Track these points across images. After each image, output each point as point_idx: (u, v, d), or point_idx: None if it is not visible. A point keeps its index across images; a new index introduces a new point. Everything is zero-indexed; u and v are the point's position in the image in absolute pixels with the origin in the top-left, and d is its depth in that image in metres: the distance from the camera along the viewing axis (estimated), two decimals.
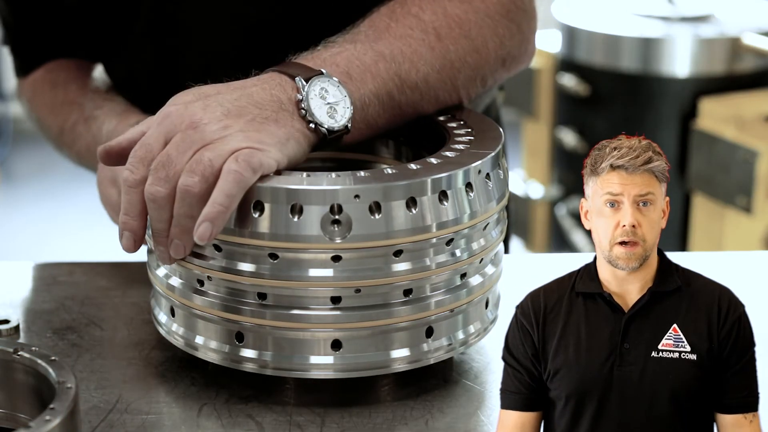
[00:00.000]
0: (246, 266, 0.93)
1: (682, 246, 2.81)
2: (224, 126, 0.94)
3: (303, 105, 0.98)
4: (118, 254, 1.03)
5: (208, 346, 0.97)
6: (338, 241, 0.91)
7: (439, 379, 1.01)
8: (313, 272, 0.92)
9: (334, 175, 0.92)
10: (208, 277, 0.95)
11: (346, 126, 1.00)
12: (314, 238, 0.90)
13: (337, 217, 0.90)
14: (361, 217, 0.91)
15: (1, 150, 4.57)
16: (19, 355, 0.87)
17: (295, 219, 0.91)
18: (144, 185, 0.92)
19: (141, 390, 1.00)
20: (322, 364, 0.94)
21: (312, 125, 0.98)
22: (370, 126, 1.05)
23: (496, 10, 1.15)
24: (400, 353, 0.96)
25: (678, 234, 2.82)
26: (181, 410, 0.97)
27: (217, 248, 0.93)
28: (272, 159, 0.93)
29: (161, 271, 1.00)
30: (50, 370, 0.84)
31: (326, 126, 0.98)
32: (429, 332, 0.96)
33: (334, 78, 1.00)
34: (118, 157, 0.97)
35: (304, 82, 0.99)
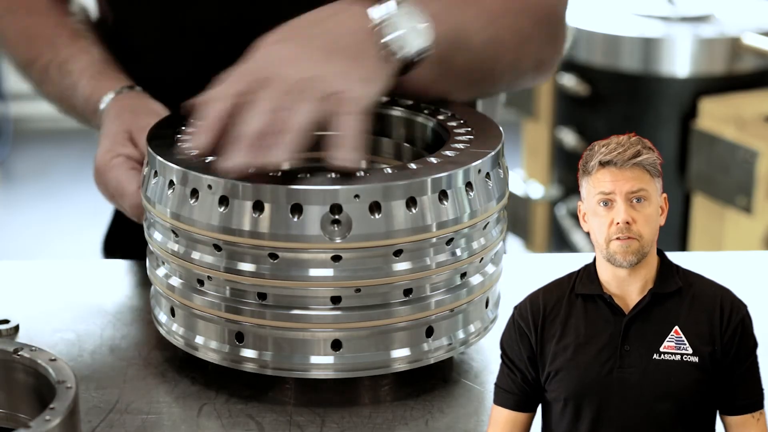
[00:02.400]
0: (246, 266, 0.93)
1: (682, 246, 2.81)
2: (326, 60, 0.96)
3: (383, 32, 1.00)
4: (117, 254, 1.03)
5: (208, 346, 0.97)
6: (338, 240, 0.91)
7: (439, 379, 1.01)
8: (313, 272, 0.92)
9: (334, 175, 0.92)
10: (208, 277, 0.95)
11: (424, 50, 1.02)
12: (314, 237, 0.90)
13: (337, 216, 0.90)
14: (361, 216, 0.91)
15: (1, 150, 4.57)
16: (19, 355, 0.87)
17: (295, 219, 0.90)
18: (237, 99, 0.92)
19: (141, 390, 1.00)
20: (322, 364, 0.94)
21: (392, 51, 1.00)
22: (435, 66, 1.05)
23: (543, 16, 1.18)
24: (400, 353, 0.96)
25: (678, 234, 2.82)
26: (181, 410, 0.97)
27: (217, 248, 0.93)
28: (356, 96, 0.95)
29: (161, 271, 1.00)
30: (50, 370, 0.84)
31: (405, 50, 1.01)
32: (429, 332, 0.96)
33: (411, 7, 1.02)
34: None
35: (382, 10, 1.01)
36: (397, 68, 1.01)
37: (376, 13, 1.00)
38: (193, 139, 0.94)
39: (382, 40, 1.00)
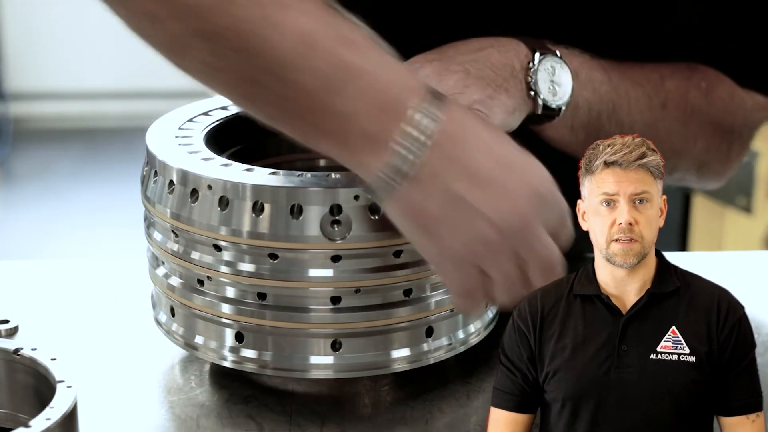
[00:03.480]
0: (246, 266, 0.93)
1: (682, 246, 2.81)
2: (464, 85, 0.97)
3: (531, 73, 1.01)
4: (117, 254, 1.03)
5: (207, 346, 0.97)
6: (338, 241, 0.91)
7: (439, 379, 1.01)
8: (313, 272, 0.92)
9: (334, 175, 0.92)
10: (208, 277, 0.95)
11: (560, 107, 1.03)
12: (314, 238, 0.91)
13: (336, 217, 0.90)
14: (360, 217, 0.91)
15: (1, 150, 4.57)
16: (19, 355, 0.87)
17: (295, 219, 0.91)
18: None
19: (141, 390, 1.00)
20: (321, 364, 0.94)
21: (532, 93, 1.01)
22: (571, 129, 1.07)
23: (721, 123, 1.16)
24: (400, 353, 0.96)
25: (678, 234, 2.82)
26: (181, 410, 0.97)
27: (217, 248, 0.94)
28: (497, 125, 0.97)
29: (161, 271, 1.00)
30: (50, 370, 0.84)
31: (543, 98, 1.02)
32: (429, 332, 0.96)
33: (565, 63, 1.04)
34: None
35: (539, 54, 1.02)
36: (529, 112, 1.02)
37: (534, 55, 1.02)
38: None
39: (528, 82, 1.02)
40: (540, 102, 1.02)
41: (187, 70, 0.89)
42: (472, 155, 0.87)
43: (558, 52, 1.04)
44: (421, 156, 0.85)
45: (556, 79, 1.03)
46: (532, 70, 1.02)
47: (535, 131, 1.05)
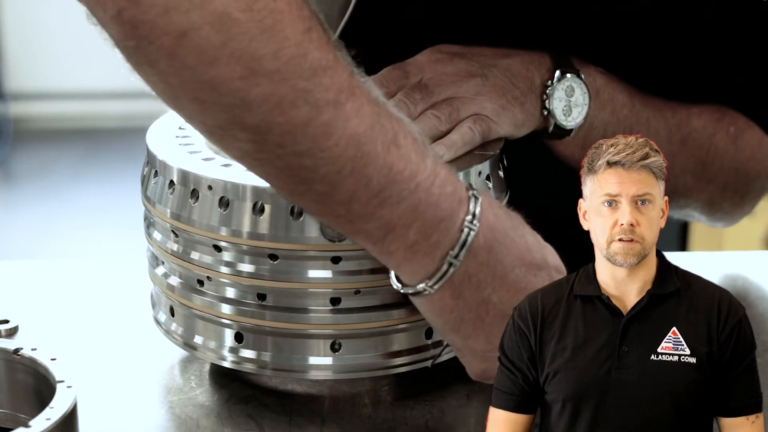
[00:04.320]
0: (246, 267, 0.93)
1: (682, 246, 2.81)
2: (478, 92, 0.98)
3: (548, 91, 1.02)
4: (117, 254, 1.03)
5: (207, 346, 0.97)
6: (338, 242, 0.91)
7: (439, 379, 1.01)
8: (313, 273, 0.92)
9: None
10: (208, 277, 0.95)
11: (571, 130, 1.04)
12: (314, 239, 0.91)
13: None
14: None
15: (1, 150, 4.57)
16: (19, 355, 0.87)
17: (295, 220, 0.91)
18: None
19: (140, 390, 1.00)
20: (321, 365, 0.94)
21: (545, 112, 1.02)
22: (582, 147, 1.06)
23: (748, 169, 1.15)
24: (399, 354, 0.96)
25: (678, 234, 2.82)
26: (181, 410, 0.97)
27: (217, 248, 0.94)
28: (502, 135, 0.99)
29: (161, 271, 1.00)
30: (50, 370, 0.84)
31: (556, 119, 1.02)
32: (428, 333, 0.96)
33: (585, 84, 1.04)
34: None
35: (560, 72, 1.02)
36: (539, 128, 1.03)
37: (555, 72, 1.03)
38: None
39: (543, 99, 1.02)
40: (552, 121, 1.03)
41: (228, 155, 0.86)
42: (502, 260, 0.88)
43: (581, 71, 1.04)
44: (459, 266, 0.86)
45: (574, 101, 1.03)
46: (549, 88, 1.02)
47: (545, 143, 1.06)
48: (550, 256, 0.92)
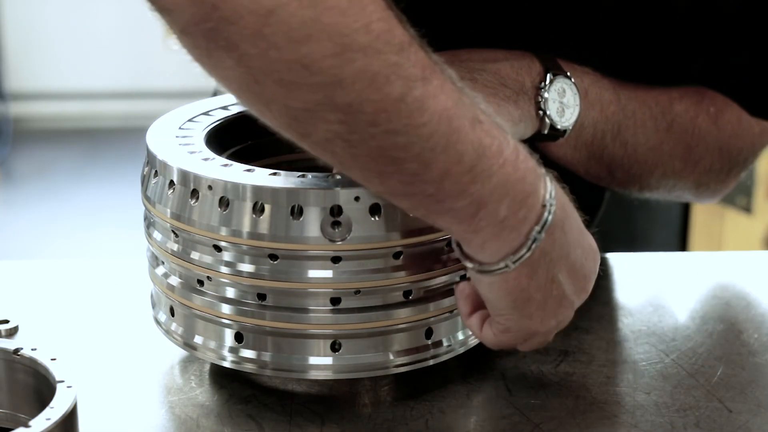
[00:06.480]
0: (246, 267, 0.93)
1: (682, 246, 2.81)
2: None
3: (542, 93, 1.02)
4: (117, 254, 1.03)
5: (207, 346, 0.97)
6: (338, 242, 0.91)
7: (439, 379, 1.01)
8: (313, 273, 0.92)
9: (334, 176, 0.92)
10: (208, 277, 0.95)
11: (566, 129, 1.04)
12: (314, 239, 0.91)
13: (337, 218, 0.90)
14: (361, 218, 0.91)
15: (1, 150, 4.57)
16: (19, 355, 0.87)
17: (296, 220, 0.91)
18: None
19: (140, 390, 1.00)
20: (321, 365, 0.94)
21: (541, 113, 1.02)
22: (574, 148, 1.07)
23: (730, 147, 1.16)
24: (399, 354, 0.96)
25: (678, 234, 2.82)
26: (181, 410, 0.97)
27: (217, 248, 0.94)
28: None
29: (160, 270, 1.00)
30: (50, 370, 0.84)
31: (552, 119, 1.03)
32: (428, 333, 0.97)
33: (575, 85, 1.04)
34: None
35: (551, 75, 1.03)
36: (535, 131, 1.03)
37: (547, 74, 1.03)
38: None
39: (538, 102, 1.02)
40: (548, 122, 1.03)
41: (311, 141, 0.82)
42: (569, 240, 0.89)
43: (569, 73, 1.05)
44: (541, 242, 0.86)
45: (565, 101, 1.04)
46: (543, 90, 1.02)
47: (536, 146, 1.06)
48: (593, 245, 0.93)
